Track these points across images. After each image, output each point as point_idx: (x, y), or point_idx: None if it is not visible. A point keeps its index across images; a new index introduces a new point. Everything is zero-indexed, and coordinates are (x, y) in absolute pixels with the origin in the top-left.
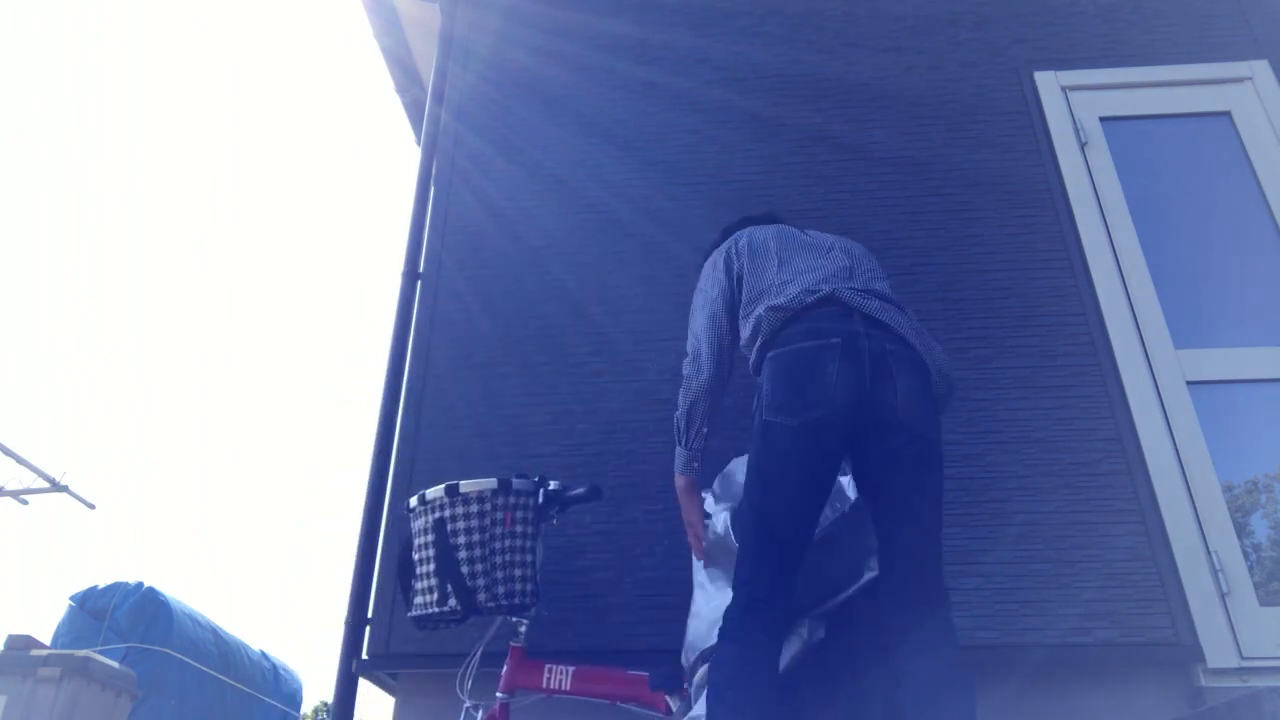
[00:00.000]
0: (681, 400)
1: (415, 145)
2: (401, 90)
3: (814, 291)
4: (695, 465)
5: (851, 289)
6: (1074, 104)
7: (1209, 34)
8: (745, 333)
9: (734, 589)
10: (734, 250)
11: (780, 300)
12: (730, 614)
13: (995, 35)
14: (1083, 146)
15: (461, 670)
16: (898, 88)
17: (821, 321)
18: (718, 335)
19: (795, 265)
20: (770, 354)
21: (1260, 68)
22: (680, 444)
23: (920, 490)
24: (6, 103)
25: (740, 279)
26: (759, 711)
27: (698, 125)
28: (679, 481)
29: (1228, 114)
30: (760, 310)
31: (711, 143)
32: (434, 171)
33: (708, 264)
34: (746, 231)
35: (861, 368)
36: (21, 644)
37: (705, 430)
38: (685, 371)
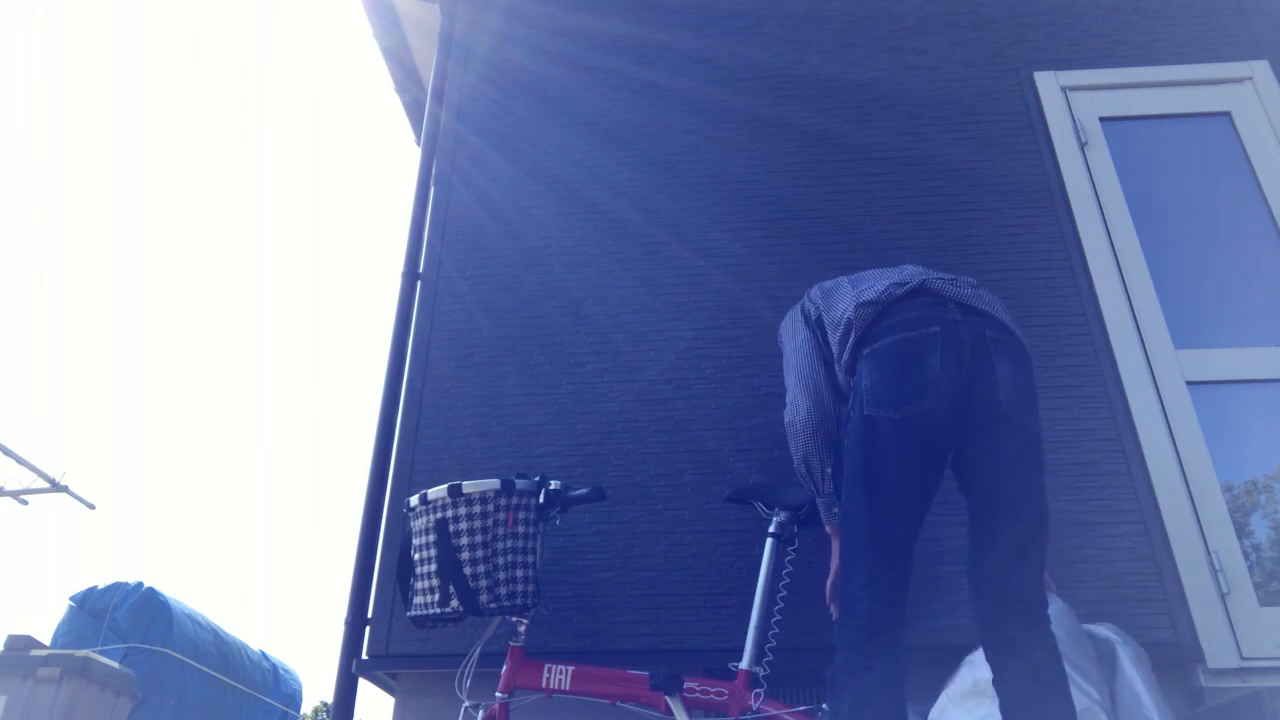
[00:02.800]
0: (793, 451)
1: (415, 145)
2: (401, 90)
3: (903, 284)
4: (836, 510)
5: (941, 279)
6: (1074, 104)
7: (1209, 34)
8: (834, 342)
9: (849, 603)
10: (806, 299)
11: (869, 296)
12: (853, 637)
13: (995, 35)
14: (1083, 146)
15: (461, 670)
16: (898, 88)
17: (916, 311)
18: (805, 371)
19: (866, 281)
20: (865, 351)
21: (1260, 68)
22: (814, 493)
23: (1025, 486)
24: (6, 103)
25: (819, 319)
26: None
27: (698, 125)
28: (831, 531)
29: (1228, 114)
30: (849, 312)
31: (711, 143)
32: (434, 171)
33: (785, 324)
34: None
35: (962, 356)
36: (21, 644)
37: (830, 471)
38: (786, 421)
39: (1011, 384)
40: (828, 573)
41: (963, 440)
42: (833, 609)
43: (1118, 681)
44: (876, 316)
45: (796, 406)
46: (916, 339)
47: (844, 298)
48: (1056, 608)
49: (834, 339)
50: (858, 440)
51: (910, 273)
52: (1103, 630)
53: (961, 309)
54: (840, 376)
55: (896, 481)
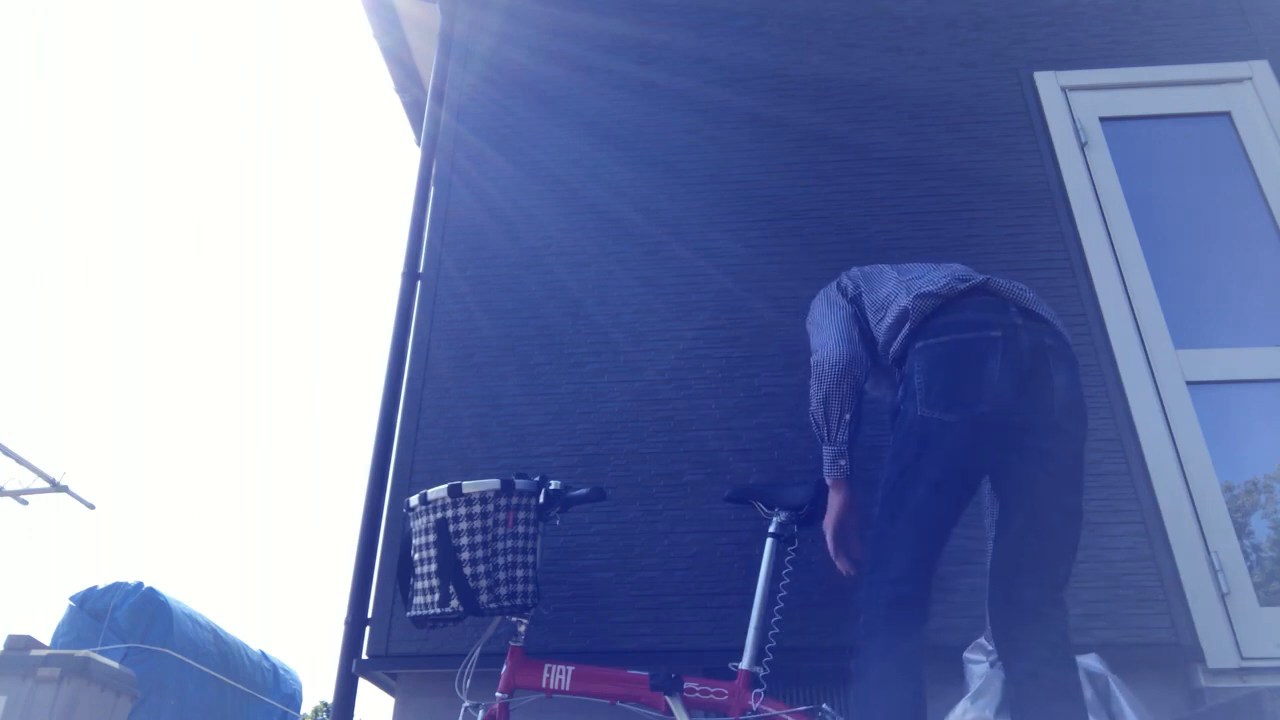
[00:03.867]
0: (814, 392)
1: (415, 145)
2: (401, 90)
3: (965, 280)
4: (843, 464)
5: (1003, 281)
6: (1074, 104)
7: (1209, 34)
8: (883, 330)
9: (872, 584)
10: (844, 277)
11: (930, 287)
12: (875, 616)
13: (995, 35)
14: (1083, 146)
15: (461, 670)
16: (898, 88)
17: (978, 313)
18: (843, 317)
19: (915, 271)
20: (920, 344)
21: (1260, 68)
22: (823, 440)
23: (1065, 501)
24: (6, 103)
25: (857, 297)
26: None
27: (698, 125)
28: (830, 484)
29: (1228, 114)
30: (905, 300)
31: (711, 143)
32: (434, 171)
33: (818, 299)
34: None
35: (1021, 363)
36: (21, 644)
37: (849, 418)
38: (813, 361)
39: (1066, 394)
40: (828, 573)
41: (1012, 446)
42: (841, 565)
43: (1114, 709)
44: (936, 310)
45: (827, 347)
46: (976, 341)
47: (889, 282)
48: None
49: (875, 320)
50: (909, 437)
51: (966, 271)
52: (1094, 664)
53: (1023, 313)
54: (885, 363)
55: (944, 481)
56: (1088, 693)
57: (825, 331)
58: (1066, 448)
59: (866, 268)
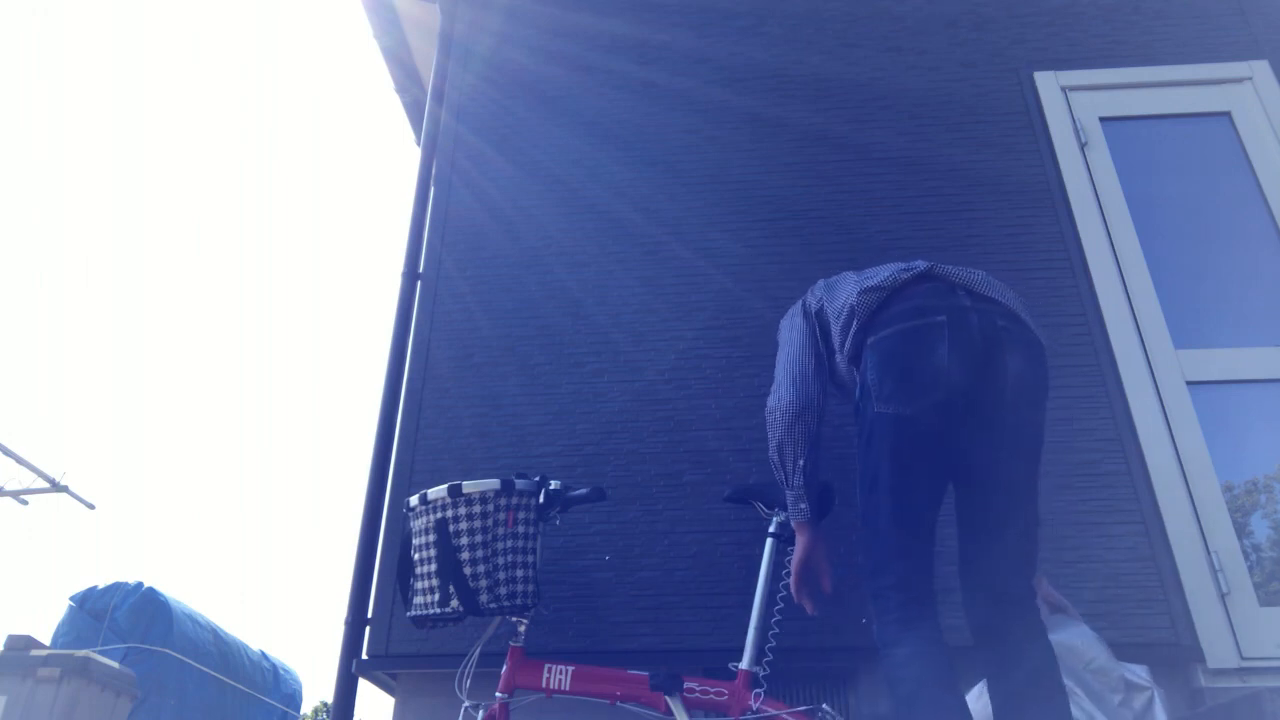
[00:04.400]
0: (769, 438)
1: (415, 145)
2: (401, 90)
3: (909, 269)
4: (803, 506)
5: (949, 266)
6: (1074, 104)
7: (1209, 34)
8: (836, 331)
9: (875, 591)
10: (809, 293)
11: (873, 282)
12: (887, 622)
13: (995, 36)
14: (1083, 146)
15: (461, 670)
16: (898, 88)
17: (923, 299)
18: (794, 359)
19: (872, 270)
20: (870, 339)
21: (1260, 68)
22: (782, 484)
23: (1025, 481)
24: (6, 103)
25: (820, 310)
26: (959, 710)
27: (698, 125)
28: (794, 526)
29: (1228, 114)
30: (852, 299)
31: (711, 143)
32: (434, 171)
33: (784, 320)
34: None
35: (973, 345)
36: (21, 644)
37: (804, 464)
38: (766, 407)
39: (1019, 377)
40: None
41: (972, 429)
42: (806, 605)
43: None
44: (881, 303)
45: (779, 394)
46: (923, 328)
47: (848, 286)
48: (1088, 638)
49: (836, 329)
50: (869, 437)
51: (919, 262)
52: (1142, 676)
53: (971, 295)
54: (843, 366)
55: (913, 474)
56: (1128, 705)
57: (779, 369)
58: (1023, 429)
59: (833, 277)
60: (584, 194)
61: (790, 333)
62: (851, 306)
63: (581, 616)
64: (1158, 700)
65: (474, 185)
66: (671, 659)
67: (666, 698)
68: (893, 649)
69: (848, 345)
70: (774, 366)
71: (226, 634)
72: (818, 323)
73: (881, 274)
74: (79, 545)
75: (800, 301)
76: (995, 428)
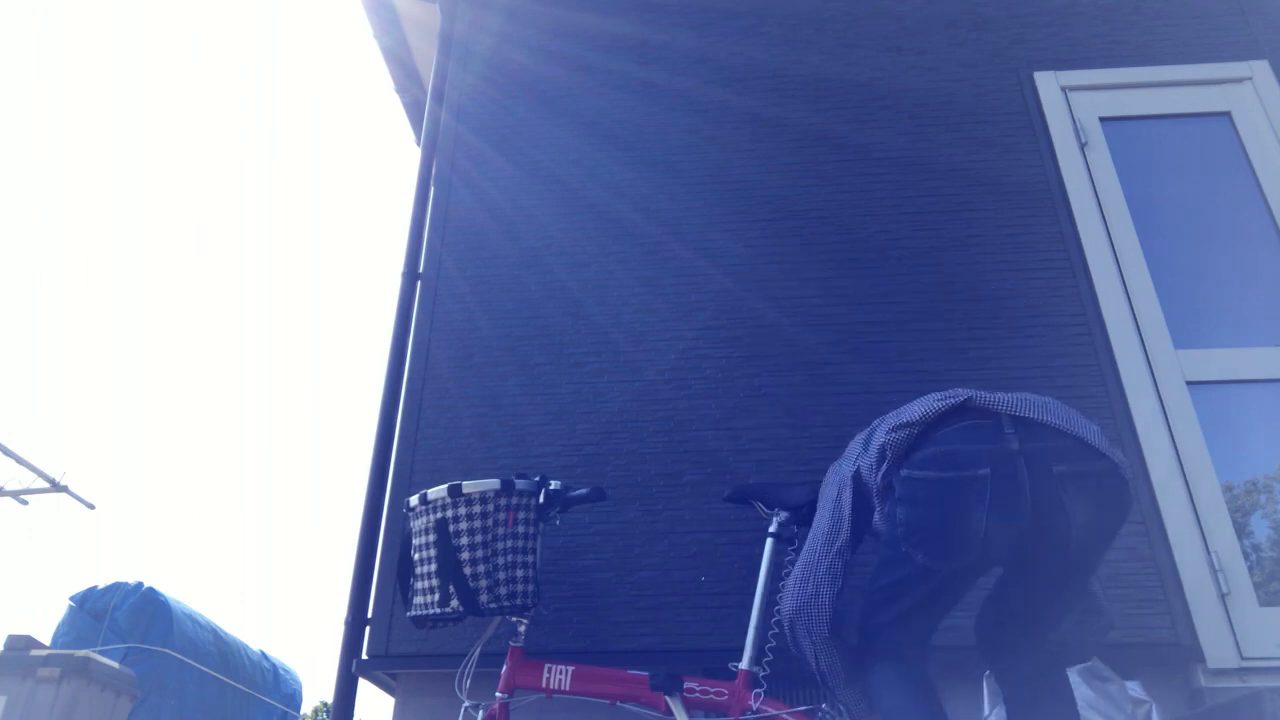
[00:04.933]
0: (800, 650)
1: (415, 145)
2: (401, 90)
3: (947, 398)
4: (864, 705)
5: (992, 394)
6: (1074, 104)
7: (1209, 34)
8: (873, 481)
9: (866, 632)
10: (852, 456)
11: (905, 417)
12: (874, 650)
13: (995, 36)
14: (1083, 146)
15: (461, 670)
16: (898, 88)
17: (961, 443)
18: (820, 563)
19: (909, 404)
20: (903, 473)
21: (1260, 68)
22: (835, 689)
23: (1081, 587)
24: (6, 103)
25: (857, 473)
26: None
27: (698, 125)
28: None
29: (1228, 114)
30: (883, 436)
31: (711, 143)
32: (434, 171)
33: (829, 475)
34: None
35: (1021, 503)
36: (21, 644)
37: (837, 659)
38: (784, 610)
39: (1087, 527)
40: None
41: (1018, 559)
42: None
43: None
44: (915, 441)
45: (787, 600)
46: (959, 483)
47: (880, 429)
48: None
49: (872, 479)
50: (893, 565)
51: (960, 391)
52: (1137, 691)
53: (1021, 432)
54: (875, 488)
55: (933, 609)
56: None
57: (798, 567)
58: (1088, 562)
59: (875, 422)
60: (584, 194)
61: (823, 511)
62: (882, 447)
63: (581, 616)
64: (1155, 713)
65: (474, 185)
66: (671, 659)
67: (666, 698)
68: (878, 672)
69: (879, 480)
70: (778, 371)
71: (226, 634)
72: (856, 490)
73: (914, 410)
74: (79, 545)
75: (846, 462)
76: (1061, 566)
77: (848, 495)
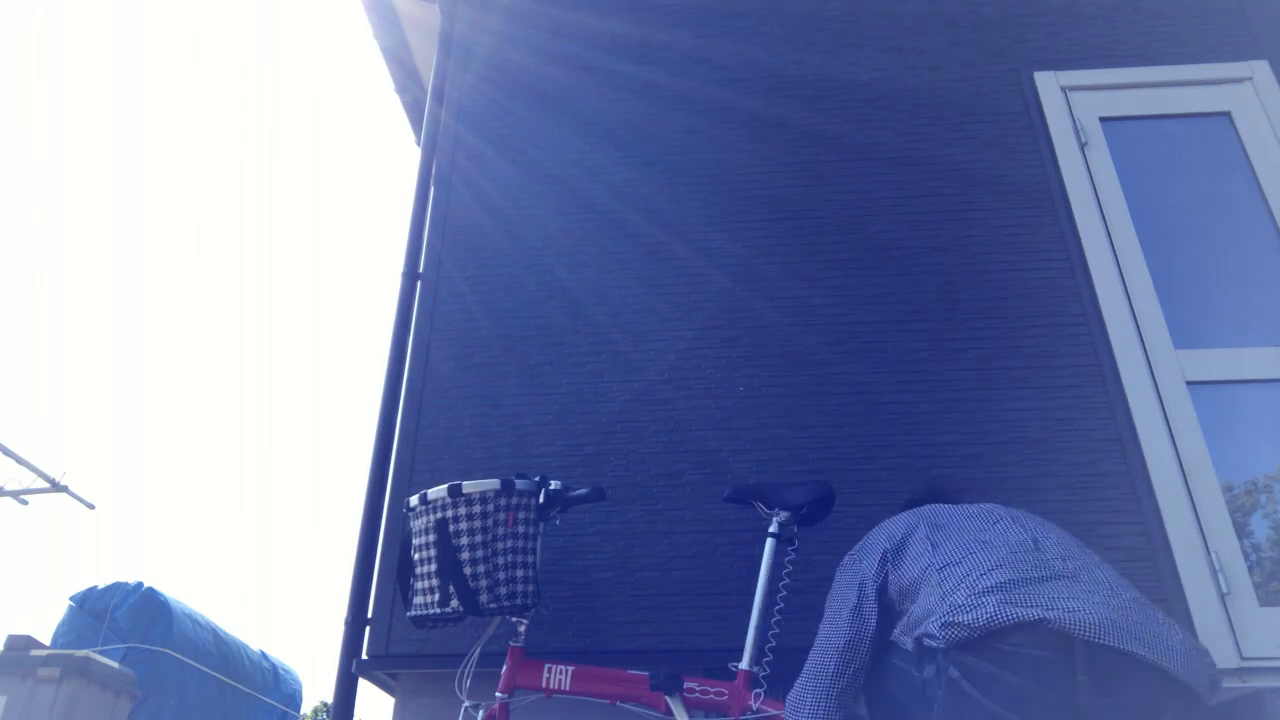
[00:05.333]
0: None
1: (415, 145)
2: (401, 90)
3: (1012, 602)
4: None
5: (1072, 607)
6: (1074, 104)
7: (1209, 34)
8: (906, 626)
9: (814, 677)
10: (867, 553)
11: (962, 616)
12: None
13: (995, 36)
14: (1083, 146)
15: (461, 670)
16: (898, 88)
17: (1027, 677)
18: (823, 670)
19: (951, 552)
20: (952, 670)
21: (1260, 68)
22: None
23: None
24: (6, 103)
25: (884, 584)
26: None
27: (698, 125)
28: None
29: (1228, 114)
30: (933, 624)
31: (711, 143)
32: (434, 171)
33: (839, 575)
34: (882, 528)
35: None
36: (21, 644)
37: None
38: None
39: None
40: (828, 573)
41: None
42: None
43: None
44: (969, 645)
45: (789, 707)
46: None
47: (920, 562)
48: None
49: (900, 608)
50: (908, 705)
51: (1018, 567)
52: None
53: (1096, 661)
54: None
55: None
56: None
57: (809, 669)
58: None
59: (895, 531)
60: (584, 194)
61: (834, 611)
62: (930, 635)
63: (581, 616)
64: None
65: (474, 185)
66: (671, 659)
67: (666, 698)
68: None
69: (911, 643)
70: (780, 370)
71: (226, 634)
72: (880, 604)
73: (969, 598)
74: (79, 545)
75: (863, 554)
76: None
77: (870, 609)
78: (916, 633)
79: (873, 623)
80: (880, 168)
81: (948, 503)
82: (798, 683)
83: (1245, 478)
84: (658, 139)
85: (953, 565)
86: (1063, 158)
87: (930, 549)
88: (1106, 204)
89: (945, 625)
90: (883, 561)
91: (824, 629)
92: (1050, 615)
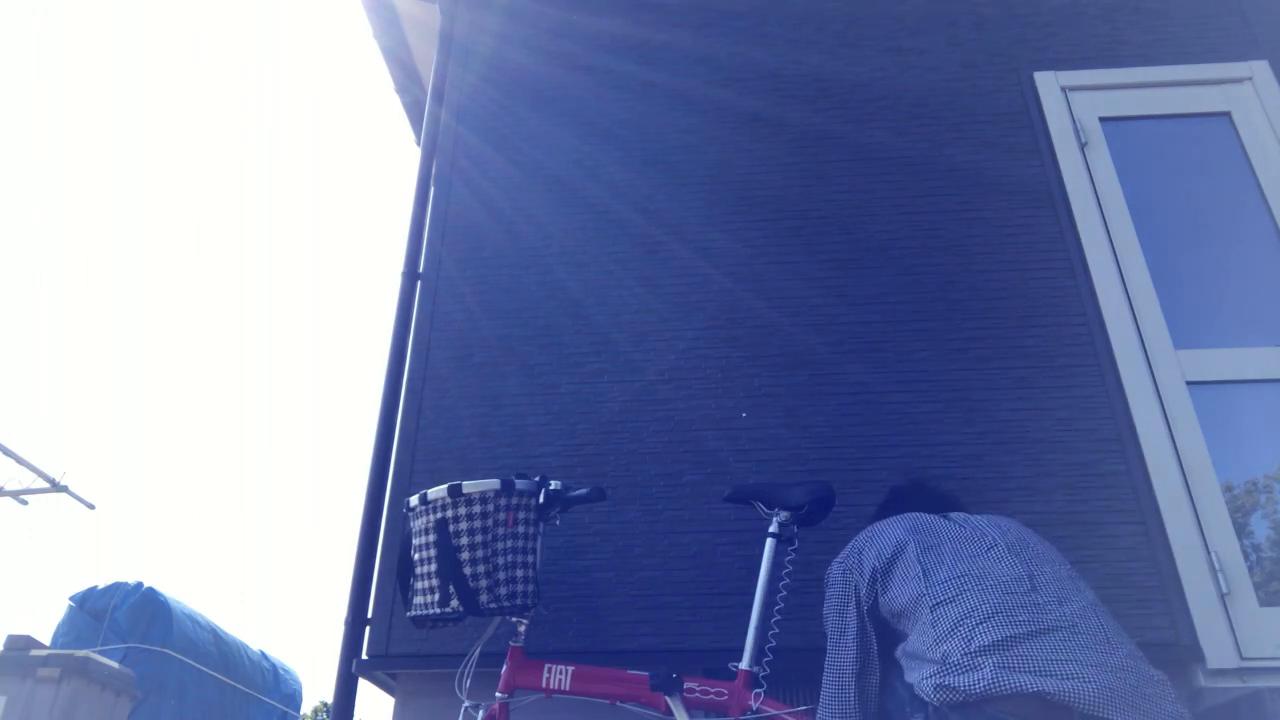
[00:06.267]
0: None
1: (415, 145)
2: (401, 90)
3: (1006, 666)
4: None
5: (1071, 667)
6: (1074, 104)
7: (1209, 34)
8: (893, 647)
9: (837, 702)
10: (850, 567)
11: (955, 679)
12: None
13: (995, 36)
14: (1083, 146)
15: (461, 670)
16: (898, 88)
17: None
18: (846, 661)
19: (943, 579)
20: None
21: (1260, 68)
22: None
23: None
24: (6, 103)
25: (874, 603)
26: None
27: (698, 125)
28: None
29: (1228, 114)
30: (922, 682)
31: (711, 143)
32: (434, 171)
33: (830, 590)
34: (871, 539)
35: None
36: (21, 644)
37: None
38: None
39: None
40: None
41: None
42: None
43: None
44: (961, 706)
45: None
46: None
47: (909, 585)
48: None
49: (893, 626)
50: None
51: (1014, 617)
52: None
53: None
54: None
55: None
56: None
57: (825, 691)
58: None
59: (885, 547)
60: (584, 194)
61: (837, 632)
62: (923, 691)
63: (581, 616)
64: None
65: (474, 185)
66: (671, 659)
67: (666, 698)
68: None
69: (899, 683)
70: (780, 370)
71: (226, 634)
72: (874, 619)
73: (963, 653)
74: (79, 545)
75: (848, 569)
76: None
77: (870, 628)
78: (908, 678)
79: (874, 641)
80: (880, 168)
81: (933, 500)
82: (821, 713)
83: (1245, 478)
84: (658, 139)
85: (945, 604)
86: (1063, 158)
87: (921, 575)
88: (1106, 204)
89: (939, 688)
90: (872, 583)
91: (832, 655)
92: (1047, 687)
